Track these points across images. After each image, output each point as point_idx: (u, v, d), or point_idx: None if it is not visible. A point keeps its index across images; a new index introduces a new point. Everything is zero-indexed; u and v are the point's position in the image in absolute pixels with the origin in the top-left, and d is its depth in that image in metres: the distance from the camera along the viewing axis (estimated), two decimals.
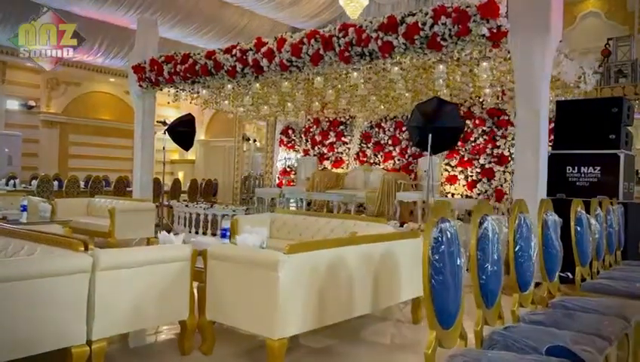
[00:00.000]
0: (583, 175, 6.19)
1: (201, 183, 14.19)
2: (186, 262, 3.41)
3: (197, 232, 9.56)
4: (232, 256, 3.39)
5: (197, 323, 3.47)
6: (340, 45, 7.18)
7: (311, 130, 12.21)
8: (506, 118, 9.33)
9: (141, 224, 7.67)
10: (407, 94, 9.06)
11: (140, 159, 10.44)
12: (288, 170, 12.78)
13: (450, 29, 6.23)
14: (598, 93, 8.30)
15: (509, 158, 9.39)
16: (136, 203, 8.07)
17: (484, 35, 6.03)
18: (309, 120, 12.14)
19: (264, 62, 8.00)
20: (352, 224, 5.68)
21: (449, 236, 2.21)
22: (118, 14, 11.64)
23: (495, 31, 5.99)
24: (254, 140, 16.45)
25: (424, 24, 6.40)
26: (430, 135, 5.78)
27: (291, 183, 12.39)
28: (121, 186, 11.91)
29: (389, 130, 10.93)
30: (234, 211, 9.39)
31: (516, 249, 2.92)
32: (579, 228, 3.94)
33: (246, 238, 4.29)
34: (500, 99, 9.03)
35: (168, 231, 10.21)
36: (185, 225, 9.85)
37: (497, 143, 9.40)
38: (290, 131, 12.71)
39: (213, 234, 9.34)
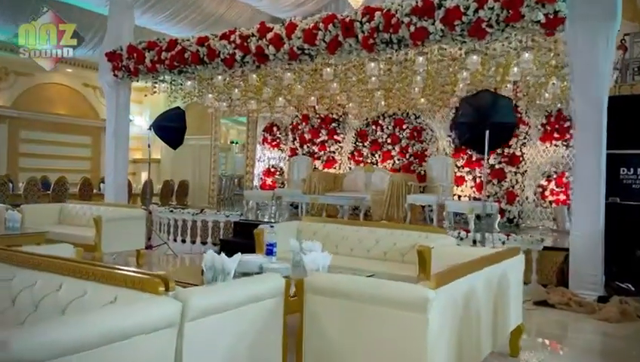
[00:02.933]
0: (639, 177, 5.70)
1: (172, 184, 13.00)
2: (278, 299, 2.52)
3: (183, 241, 8.51)
4: (347, 290, 2.51)
5: None
6: (363, 31, 6.40)
7: (299, 127, 11.30)
8: (518, 115, 8.83)
9: (130, 234, 6.61)
10: (416, 89, 8.39)
11: (114, 159, 9.27)
12: (273, 170, 11.83)
13: (498, 15, 5.58)
14: (617, 90, 7.92)
15: (521, 158, 8.92)
16: (123, 209, 6.92)
17: (538, 22, 5.43)
18: (296, 116, 11.24)
19: (270, 50, 7.10)
20: (400, 234, 4.93)
21: None
22: None
23: (552, 17, 5.39)
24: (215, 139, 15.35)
25: (467, 8, 5.72)
26: (487, 131, 5.09)
27: (276, 184, 11.48)
28: (87, 189, 10.59)
29: (387, 127, 10.21)
30: (227, 216, 8.42)
31: None
32: None
33: (315, 258, 3.46)
34: (515, 95, 8.51)
35: (149, 239, 8.94)
36: (168, 233, 8.75)
37: (509, 142, 8.86)
38: (274, 128, 11.76)
39: (203, 243, 8.34)
